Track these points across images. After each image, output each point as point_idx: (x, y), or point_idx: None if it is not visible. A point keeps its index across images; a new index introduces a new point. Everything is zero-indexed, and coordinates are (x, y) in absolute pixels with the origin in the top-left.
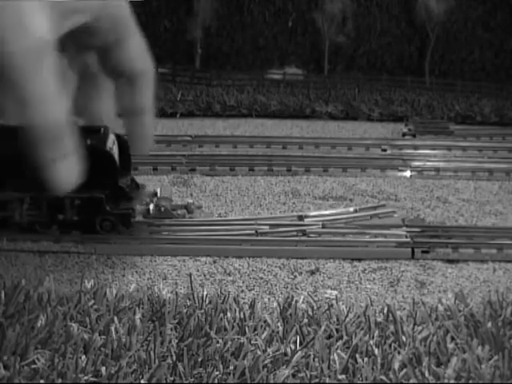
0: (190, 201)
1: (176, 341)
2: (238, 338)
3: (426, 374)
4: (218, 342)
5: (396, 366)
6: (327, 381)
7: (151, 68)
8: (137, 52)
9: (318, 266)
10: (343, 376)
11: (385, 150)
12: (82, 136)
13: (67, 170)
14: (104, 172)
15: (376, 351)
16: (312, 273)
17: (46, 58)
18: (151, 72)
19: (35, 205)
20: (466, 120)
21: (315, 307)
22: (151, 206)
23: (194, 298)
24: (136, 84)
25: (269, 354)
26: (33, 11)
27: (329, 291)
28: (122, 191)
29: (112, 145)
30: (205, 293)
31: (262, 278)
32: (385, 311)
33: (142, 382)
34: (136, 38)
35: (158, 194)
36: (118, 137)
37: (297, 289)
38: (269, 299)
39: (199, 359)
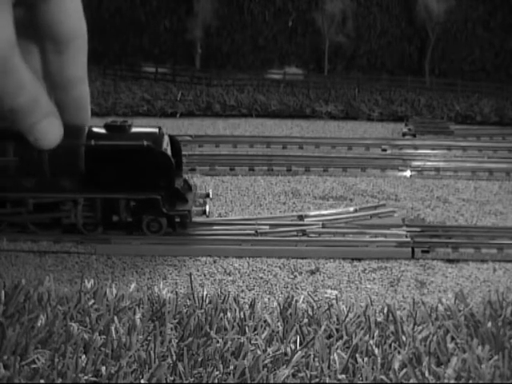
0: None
1: (176, 341)
2: (238, 338)
3: (426, 374)
4: (218, 341)
5: (396, 365)
6: (327, 381)
7: (84, 33)
8: (67, 11)
9: (318, 266)
10: (343, 376)
11: (385, 150)
12: (138, 138)
13: (48, 128)
14: (160, 173)
15: (376, 351)
16: (312, 273)
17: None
18: (83, 38)
19: (90, 206)
20: (466, 120)
21: (315, 307)
22: (207, 207)
23: (194, 297)
24: (64, 52)
25: (269, 354)
26: None
27: (329, 291)
28: (177, 193)
29: (167, 146)
30: (205, 293)
31: (262, 278)
32: (385, 311)
33: (141, 381)
34: None
35: (211, 195)
36: (170, 137)
37: (297, 289)
38: (269, 299)
39: (199, 359)
